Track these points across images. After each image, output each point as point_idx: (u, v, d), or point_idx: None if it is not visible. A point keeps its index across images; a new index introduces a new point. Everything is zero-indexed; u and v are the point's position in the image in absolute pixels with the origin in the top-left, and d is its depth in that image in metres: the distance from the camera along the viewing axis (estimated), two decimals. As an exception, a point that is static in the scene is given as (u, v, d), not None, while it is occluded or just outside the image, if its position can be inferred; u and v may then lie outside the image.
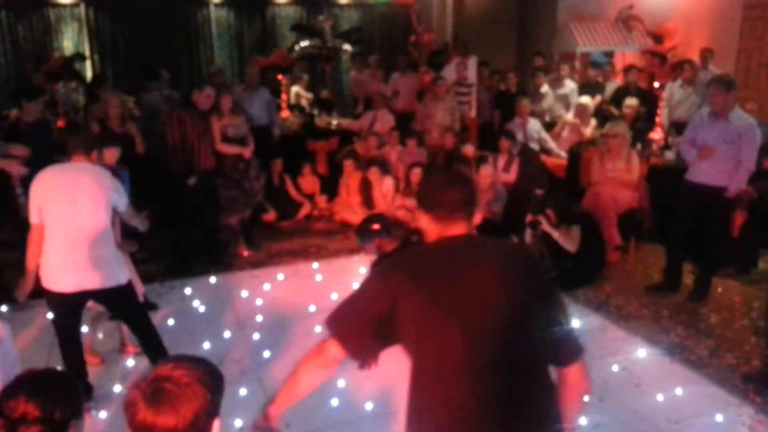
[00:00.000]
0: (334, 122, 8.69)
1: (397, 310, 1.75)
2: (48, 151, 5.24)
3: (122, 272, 3.63)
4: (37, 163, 4.90)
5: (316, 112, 8.95)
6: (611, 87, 8.55)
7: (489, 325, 1.72)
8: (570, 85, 8.60)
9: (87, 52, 10.54)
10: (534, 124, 7.64)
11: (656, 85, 7.48)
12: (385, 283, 1.86)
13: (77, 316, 3.66)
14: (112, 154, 4.55)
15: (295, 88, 9.65)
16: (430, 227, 1.91)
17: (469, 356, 1.71)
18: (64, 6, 10.56)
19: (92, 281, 3.47)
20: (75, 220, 3.41)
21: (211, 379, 1.43)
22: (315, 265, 5.84)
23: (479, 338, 1.71)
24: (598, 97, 8.40)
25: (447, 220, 1.86)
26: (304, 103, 9.54)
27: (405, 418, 1.86)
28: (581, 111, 7.83)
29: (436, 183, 1.97)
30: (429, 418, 1.77)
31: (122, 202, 3.60)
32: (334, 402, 3.69)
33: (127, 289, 3.67)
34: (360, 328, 1.84)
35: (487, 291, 1.75)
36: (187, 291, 5.26)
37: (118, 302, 3.71)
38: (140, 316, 3.84)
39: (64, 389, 1.65)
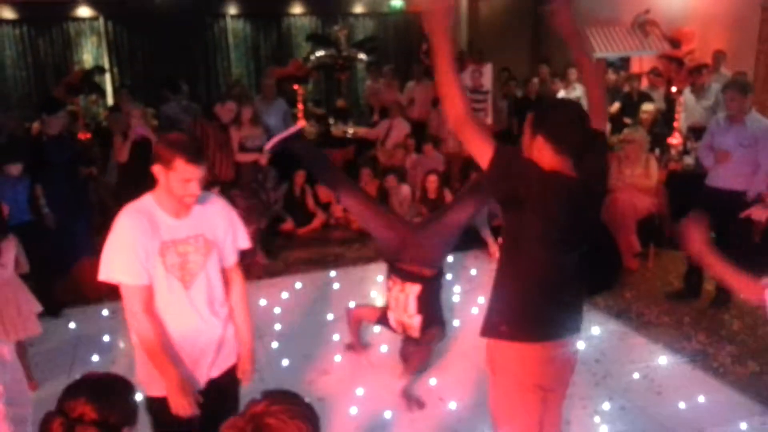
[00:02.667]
0: (350, 131, 8.73)
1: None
2: (71, 163, 5.33)
3: None
4: (60, 176, 5.01)
5: (332, 121, 8.99)
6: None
7: None
8: (579, 88, 8.59)
9: (106, 65, 10.72)
10: None
11: (674, 89, 7.43)
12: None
13: None
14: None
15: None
16: (544, 155, 2.16)
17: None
18: (84, 20, 10.75)
19: None
20: None
21: (311, 413, 1.37)
22: (332, 273, 5.86)
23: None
24: (617, 104, 8.36)
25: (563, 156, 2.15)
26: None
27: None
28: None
29: (570, 117, 2.18)
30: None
31: None
32: (353, 410, 3.69)
33: None
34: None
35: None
36: (207, 300, 5.29)
37: None
38: None
39: (122, 395, 1.70)
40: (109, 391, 1.68)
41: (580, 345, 4.40)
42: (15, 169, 4.80)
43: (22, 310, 3.78)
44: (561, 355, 2.35)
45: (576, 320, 2.40)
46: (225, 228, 2.49)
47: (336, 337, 4.61)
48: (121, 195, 5.78)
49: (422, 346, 3.90)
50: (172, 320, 2.39)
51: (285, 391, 1.40)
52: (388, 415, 3.65)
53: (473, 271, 5.84)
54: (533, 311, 2.28)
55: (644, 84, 8.73)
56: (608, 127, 7.70)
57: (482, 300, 5.18)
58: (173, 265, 2.34)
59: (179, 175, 2.25)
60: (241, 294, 2.66)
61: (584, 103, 8.53)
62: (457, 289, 5.39)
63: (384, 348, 4.42)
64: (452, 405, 3.73)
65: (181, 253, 2.35)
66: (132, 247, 2.25)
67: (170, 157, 2.25)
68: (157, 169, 2.29)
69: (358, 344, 4.39)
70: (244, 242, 2.59)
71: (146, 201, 2.36)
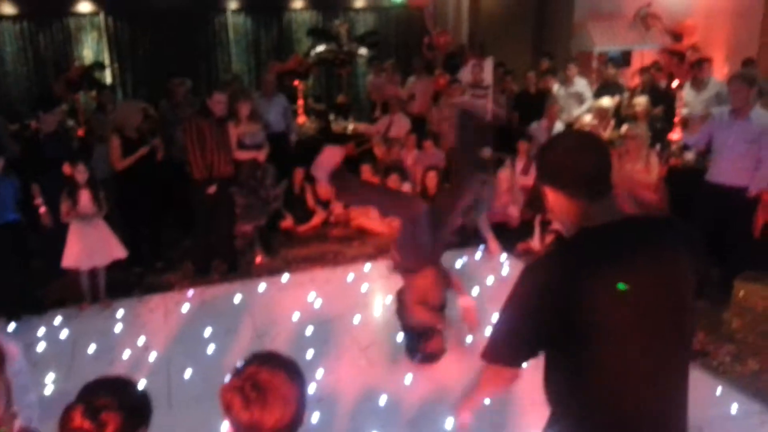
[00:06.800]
0: (351, 127, 8.70)
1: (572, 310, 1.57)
2: (68, 160, 5.32)
3: None
4: (56, 172, 5.00)
5: (332, 117, 8.96)
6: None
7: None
8: (581, 83, 8.54)
9: (107, 61, 10.67)
10: (559, 129, 7.56)
11: (675, 84, 7.37)
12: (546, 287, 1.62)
13: None
14: None
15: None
16: (565, 206, 1.67)
17: (653, 356, 1.63)
18: (84, 15, 10.70)
19: None
20: None
21: (296, 367, 1.54)
22: (332, 271, 5.85)
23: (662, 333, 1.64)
24: (617, 98, 8.30)
25: (585, 196, 1.63)
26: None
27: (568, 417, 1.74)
28: (601, 113, 7.73)
29: (563, 149, 1.68)
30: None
31: None
32: (353, 408, 3.68)
33: None
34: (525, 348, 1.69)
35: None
36: (206, 298, 5.29)
37: None
38: None
39: (136, 393, 1.73)
40: (125, 387, 1.71)
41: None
42: None
43: (108, 240, 5.07)
44: None
45: None
46: None
47: (335, 334, 4.61)
48: (122, 189, 5.81)
49: None
50: None
51: (270, 352, 1.56)
52: (388, 411, 3.65)
53: (473, 268, 5.82)
54: None
55: (635, 80, 8.68)
56: (611, 122, 7.69)
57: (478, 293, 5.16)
58: None
59: None
60: None
61: (587, 96, 8.48)
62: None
63: (383, 346, 4.41)
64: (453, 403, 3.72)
65: None
66: None
67: None
68: None
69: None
70: None
71: None
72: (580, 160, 1.64)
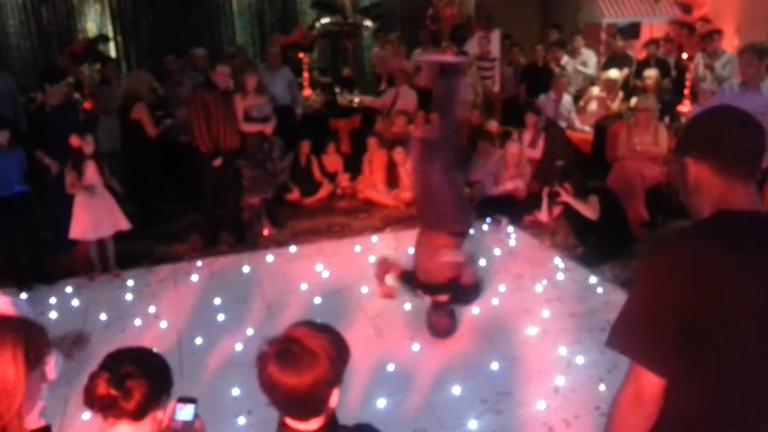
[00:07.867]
0: (356, 100, 8.65)
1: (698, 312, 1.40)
2: (74, 132, 5.32)
3: None
4: (62, 144, 5.00)
5: (338, 90, 8.90)
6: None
7: None
8: (587, 54, 8.46)
9: (110, 34, 10.60)
10: (567, 102, 7.52)
11: (685, 56, 7.29)
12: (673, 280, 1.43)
13: None
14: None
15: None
16: (706, 182, 1.53)
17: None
18: (87, -13, 10.60)
19: None
20: None
21: (336, 351, 1.52)
22: (339, 243, 5.86)
23: None
24: (626, 70, 8.23)
25: (733, 174, 1.49)
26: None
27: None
28: (609, 85, 7.67)
29: (723, 120, 1.55)
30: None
31: None
32: (361, 377, 3.72)
33: None
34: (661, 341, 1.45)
35: None
36: (214, 269, 5.32)
37: None
38: None
39: (159, 362, 1.73)
40: (148, 357, 1.71)
41: (588, 313, 4.42)
42: (2, 136, 4.78)
43: (113, 211, 5.12)
44: None
45: None
46: None
47: (344, 304, 4.64)
48: (127, 162, 5.82)
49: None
50: None
51: (323, 326, 1.59)
52: (396, 379, 3.69)
53: (480, 240, 5.84)
54: None
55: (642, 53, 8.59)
56: (620, 95, 7.64)
57: (485, 265, 5.18)
58: None
59: None
60: None
61: (591, 64, 8.40)
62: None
63: (391, 316, 4.44)
64: (457, 384, 3.76)
65: None
66: None
67: None
68: None
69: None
70: None
71: None
72: (740, 134, 1.50)
